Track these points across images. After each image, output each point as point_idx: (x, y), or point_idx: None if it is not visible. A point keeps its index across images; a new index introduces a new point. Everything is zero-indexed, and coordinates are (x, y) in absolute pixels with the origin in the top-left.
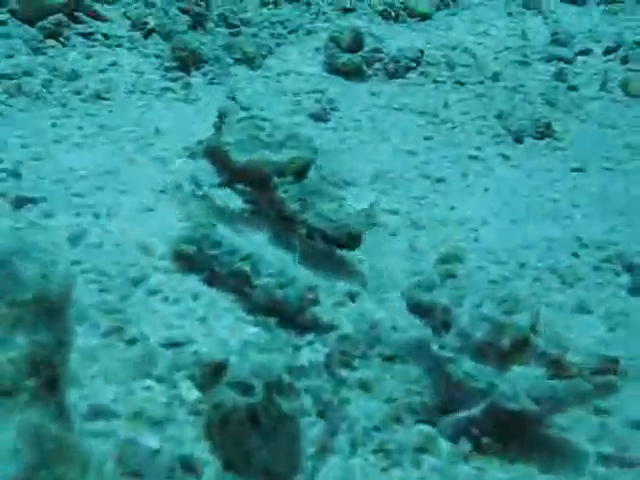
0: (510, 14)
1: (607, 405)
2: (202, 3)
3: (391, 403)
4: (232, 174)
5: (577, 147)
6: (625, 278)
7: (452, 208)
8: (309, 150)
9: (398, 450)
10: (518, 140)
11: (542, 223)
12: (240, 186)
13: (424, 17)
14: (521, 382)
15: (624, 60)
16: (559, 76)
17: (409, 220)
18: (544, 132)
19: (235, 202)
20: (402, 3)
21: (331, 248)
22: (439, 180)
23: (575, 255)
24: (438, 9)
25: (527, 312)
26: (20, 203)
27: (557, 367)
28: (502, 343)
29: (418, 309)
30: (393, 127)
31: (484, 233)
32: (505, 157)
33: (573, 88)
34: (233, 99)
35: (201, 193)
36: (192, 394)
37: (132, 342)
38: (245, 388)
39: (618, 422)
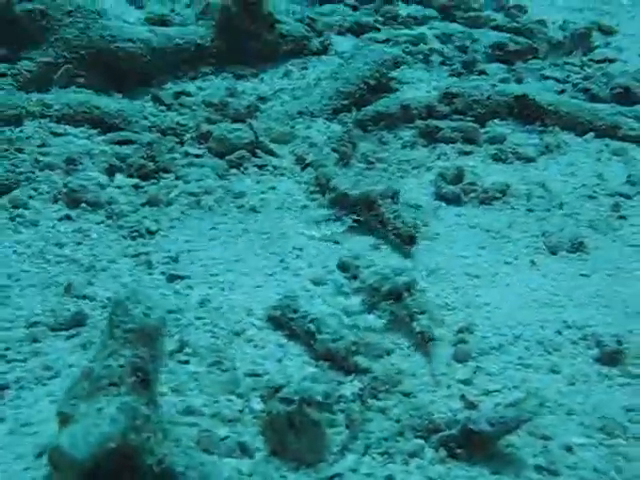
0: (599, 160)
1: None
2: (349, 145)
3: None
4: None
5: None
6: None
7: (477, 296)
8: None
9: (397, 453)
10: (553, 253)
11: (539, 309)
12: None
13: (529, 160)
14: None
15: None
16: (614, 207)
17: (444, 302)
18: (577, 248)
19: None
20: (513, 149)
21: None
22: (475, 277)
23: (559, 332)
24: (542, 154)
25: None
26: (172, 279)
27: None
28: None
29: None
30: (459, 239)
31: (495, 314)
32: (533, 263)
33: (623, 217)
34: None
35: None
36: (259, 406)
37: (225, 370)
38: (288, 402)
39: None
